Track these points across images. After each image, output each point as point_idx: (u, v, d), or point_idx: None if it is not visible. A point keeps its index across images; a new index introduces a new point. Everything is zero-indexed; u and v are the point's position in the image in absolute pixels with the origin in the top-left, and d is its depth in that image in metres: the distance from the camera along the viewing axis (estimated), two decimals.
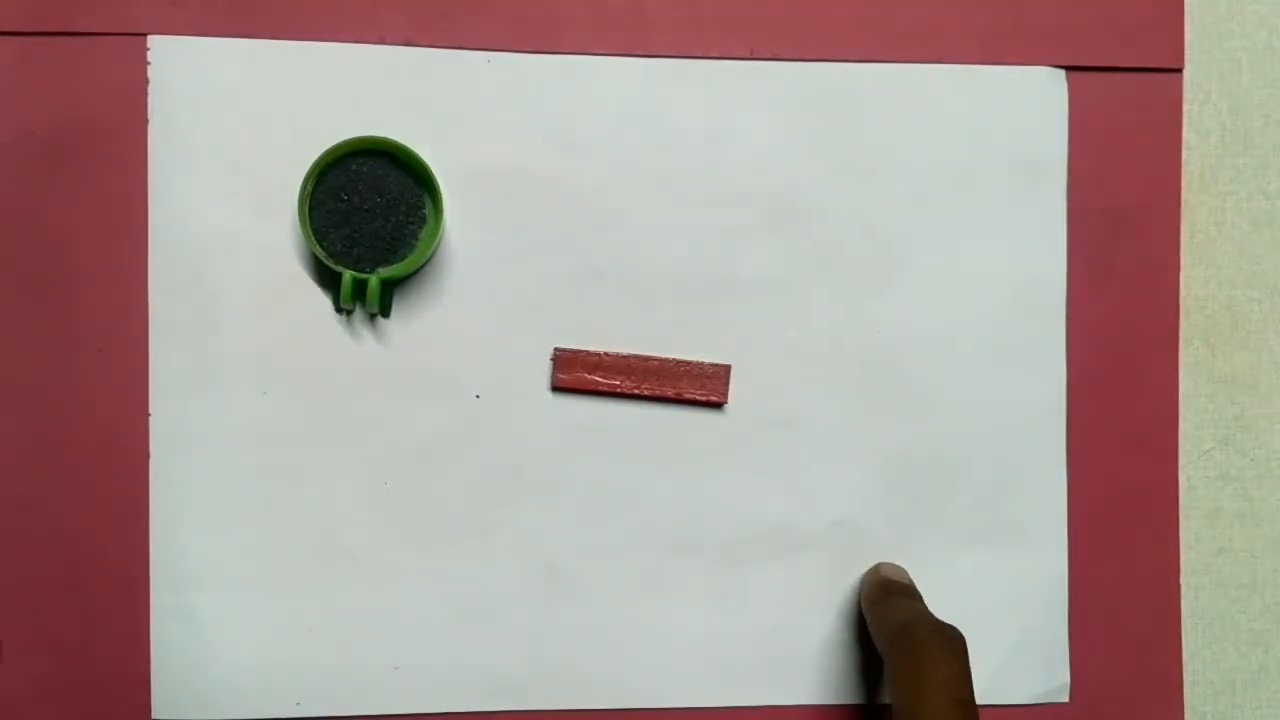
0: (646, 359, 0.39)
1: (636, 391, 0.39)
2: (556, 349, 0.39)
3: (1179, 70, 0.41)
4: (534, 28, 0.39)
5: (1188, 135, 0.41)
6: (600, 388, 0.39)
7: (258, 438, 0.39)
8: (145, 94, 0.39)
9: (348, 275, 0.37)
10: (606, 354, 0.39)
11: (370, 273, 0.37)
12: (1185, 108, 0.41)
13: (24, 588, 0.38)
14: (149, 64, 0.39)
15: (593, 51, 0.40)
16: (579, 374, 0.39)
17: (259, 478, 0.39)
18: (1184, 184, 0.41)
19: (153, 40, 0.39)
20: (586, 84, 0.40)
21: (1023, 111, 0.41)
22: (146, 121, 0.39)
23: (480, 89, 0.39)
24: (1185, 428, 0.41)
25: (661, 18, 0.40)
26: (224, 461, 0.39)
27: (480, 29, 0.39)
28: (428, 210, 0.38)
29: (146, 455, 0.39)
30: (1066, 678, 0.41)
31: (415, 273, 0.39)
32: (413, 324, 0.39)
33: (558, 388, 0.39)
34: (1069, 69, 0.41)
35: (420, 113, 0.39)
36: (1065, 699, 0.41)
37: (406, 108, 0.39)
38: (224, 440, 0.39)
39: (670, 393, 0.39)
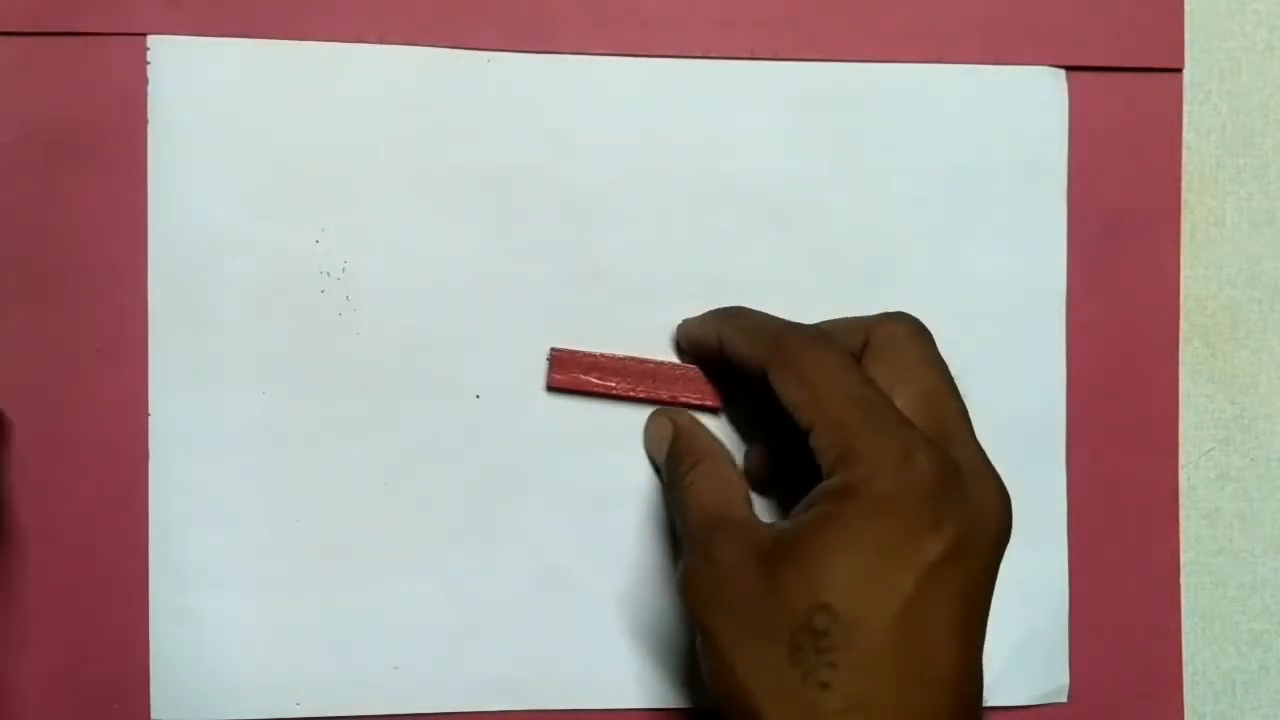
0: (643, 361, 0.39)
1: (631, 394, 0.39)
2: (553, 349, 0.39)
3: (1179, 70, 0.41)
4: (534, 28, 0.39)
5: (1188, 135, 0.41)
6: (595, 389, 0.39)
7: (258, 438, 0.39)
8: (145, 94, 0.38)
9: None
10: (603, 355, 0.39)
11: None
12: (1185, 108, 0.41)
13: (22, 587, 0.38)
14: (149, 64, 0.38)
15: (592, 51, 0.40)
16: (574, 374, 0.39)
17: (259, 478, 0.39)
18: (1184, 184, 0.41)
19: (152, 40, 0.38)
20: (586, 84, 0.40)
21: (1023, 111, 0.41)
22: (146, 121, 0.39)
23: (480, 89, 0.39)
24: (1185, 428, 0.41)
25: (661, 18, 0.40)
26: (224, 461, 0.39)
27: (480, 29, 0.39)
28: None
29: (146, 455, 0.39)
30: (1066, 678, 0.41)
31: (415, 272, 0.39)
32: (413, 324, 0.39)
33: (553, 388, 0.39)
34: (1069, 69, 0.41)
35: (420, 113, 0.39)
36: (1064, 699, 0.41)
37: (406, 108, 0.39)
38: (224, 440, 0.39)
39: (665, 396, 0.39)
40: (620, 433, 0.40)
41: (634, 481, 0.40)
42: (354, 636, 0.39)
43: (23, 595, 0.38)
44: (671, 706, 0.40)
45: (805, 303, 0.40)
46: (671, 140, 0.40)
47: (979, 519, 0.31)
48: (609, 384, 0.39)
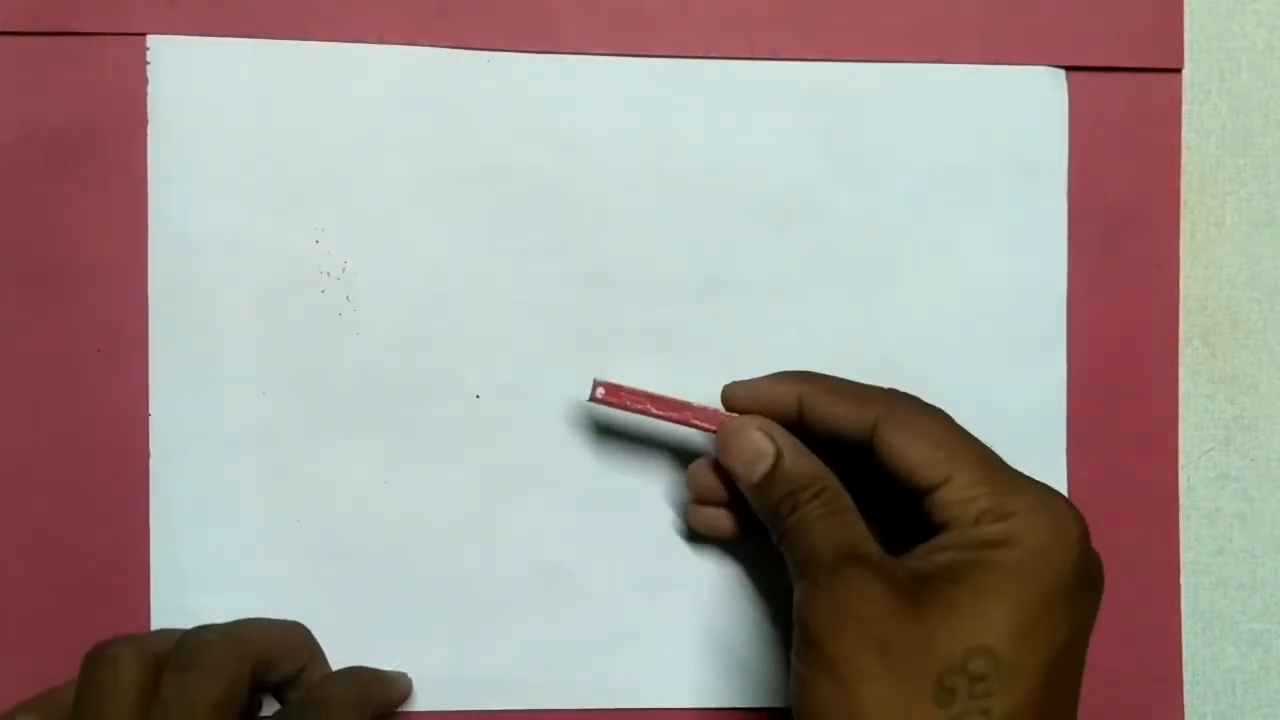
0: (681, 404, 0.37)
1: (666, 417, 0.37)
2: (596, 384, 0.37)
3: (1179, 70, 0.41)
4: (534, 28, 0.39)
5: (1187, 135, 0.41)
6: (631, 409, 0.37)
7: (258, 438, 0.39)
8: (145, 94, 0.38)
9: None
10: (642, 394, 0.37)
11: None
12: (1185, 108, 0.41)
13: (23, 588, 0.38)
14: (148, 64, 0.39)
15: (593, 51, 0.40)
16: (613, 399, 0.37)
17: (259, 478, 0.39)
18: (1184, 184, 0.41)
19: (152, 40, 0.38)
20: (586, 84, 0.40)
21: (1023, 111, 0.41)
22: (146, 121, 0.39)
23: (480, 89, 0.39)
24: (1185, 428, 0.41)
25: (661, 18, 0.40)
26: (224, 461, 0.39)
27: (480, 29, 0.39)
28: None
29: (147, 455, 0.39)
30: None
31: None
32: (413, 324, 0.39)
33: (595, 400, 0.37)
34: (1069, 69, 0.41)
35: (420, 113, 0.39)
36: None
37: (407, 108, 0.39)
38: (224, 440, 0.39)
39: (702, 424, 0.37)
40: (621, 433, 0.40)
41: (634, 481, 0.40)
42: (353, 636, 0.39)
43: (22, 596, 0.38)
44: (673, 706, 0.40)
45: (806, 303, 0.40)
46: (672, 140, 0.40)
47: (1100, 588, 0.33)
48: (647, 408, 0.37)
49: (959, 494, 0.33)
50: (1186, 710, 0.41)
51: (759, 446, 0.35)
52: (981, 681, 0.30)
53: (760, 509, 0.36)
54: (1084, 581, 0.32)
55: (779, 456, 0.35)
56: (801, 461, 0.35)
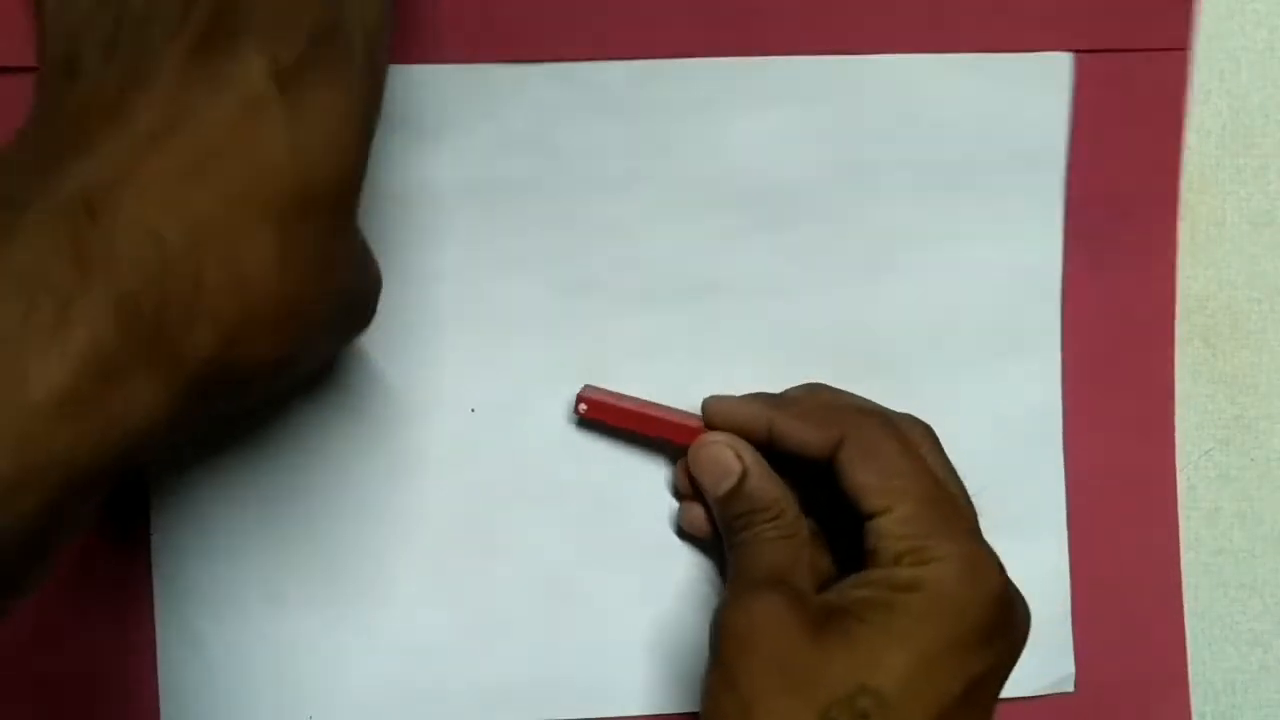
0: (662, 413, 0.39)
1: (647, 434, 0.39)
2: (584, 391, 0.39)
3: (1184, 49, 0.40)
4: (533, 29, 0.39)
5: (1188, 135, 0.41)
6: (615, 424, 0.39)
7: (254, 454, 0.39)
8: None
9: None
10: (627, 402, 0.39)
11: None
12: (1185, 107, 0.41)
13: (24, 612, 0.39)
14: None
15: (588, 54, 0.39)
16: (599, 413, 0.39)
17: (259, 491, 0.39)
18: (1184, 184, 0.41)
19: None
20: (585, 85, 0.39)
21: (1024, 97, 0.40)
22: None
23: (467, 97, 0.39)
24: (1185, 428, 0.41)
25: (661, 18, 0.39)
26: (221, 477, 0.39)
27: (480, 31, 0.39)
28: None
29: (143, 471, 0.39)
30: (1071, 668, 0.41)
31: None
32: (406, 339, 0.39)
33: (579, 415, 0.39)
34: (1073, 53, 0.40)
35: (410, 123, 0.39)
36: (1071, 688, 0.41)
37: (395, 119, 0.39)
38: (221, 457, 0.39)
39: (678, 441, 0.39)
40: (618, 443, 0.40)
41: (631, 490, 0.40)
42: (359, 650, 0.39)
43: (24, 621, 0.39)
44: (673, 711, 0.40)
45: (803, 294, 0.40)
46: (670, 140, 0.39)
47: (1016, 640, 0.34)
48: (628, 424, 0.39)
49: (890, 529, 0.33)
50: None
51: (727, 464, 0.36)
52: (864, 718, 0.31)
53: (720, 520, 0.37)
54: (989, 637, 0.32)
55: (744, 476, 0.36)
56: (765, 484, 0.36)
